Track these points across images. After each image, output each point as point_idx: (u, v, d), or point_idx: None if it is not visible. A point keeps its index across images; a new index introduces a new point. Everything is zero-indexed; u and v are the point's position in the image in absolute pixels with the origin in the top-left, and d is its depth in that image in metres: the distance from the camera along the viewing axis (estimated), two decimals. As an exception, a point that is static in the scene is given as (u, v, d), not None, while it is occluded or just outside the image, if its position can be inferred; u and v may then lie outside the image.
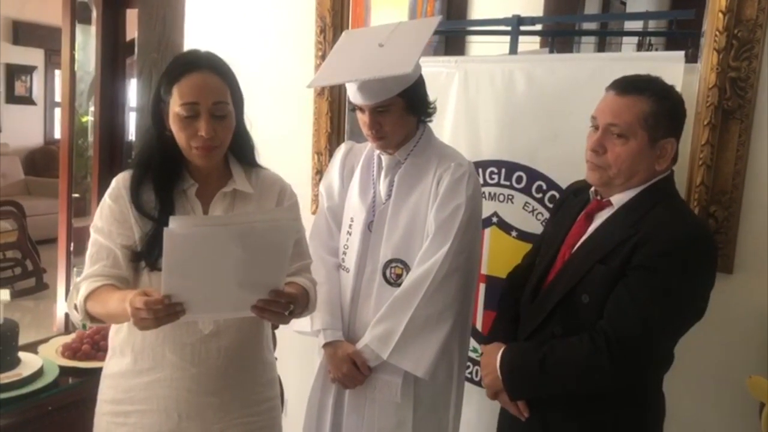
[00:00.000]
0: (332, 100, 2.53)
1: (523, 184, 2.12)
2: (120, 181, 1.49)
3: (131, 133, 2.63)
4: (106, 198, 1.48)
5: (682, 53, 1.87)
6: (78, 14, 2.48)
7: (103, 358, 1.59)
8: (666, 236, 1.37)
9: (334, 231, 1.94)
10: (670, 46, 3.02)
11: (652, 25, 3.69)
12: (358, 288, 1.86)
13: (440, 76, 2.22)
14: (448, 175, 1.78)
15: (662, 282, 1.35)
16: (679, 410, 1.61)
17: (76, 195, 2.60)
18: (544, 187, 2.09)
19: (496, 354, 1.55)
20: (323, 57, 2.44)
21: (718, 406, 1.91)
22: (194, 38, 2.51)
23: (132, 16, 2.46)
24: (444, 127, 2.19)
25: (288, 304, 1.35)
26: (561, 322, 1.48)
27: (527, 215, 2.12)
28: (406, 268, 1.79)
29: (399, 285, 1.78)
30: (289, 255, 1.29)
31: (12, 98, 7.38)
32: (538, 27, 2.82)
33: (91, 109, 2.67)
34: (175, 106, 1.40)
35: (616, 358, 1.36)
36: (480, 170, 2.14)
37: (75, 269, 2.39)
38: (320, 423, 1.93)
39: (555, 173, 2.06)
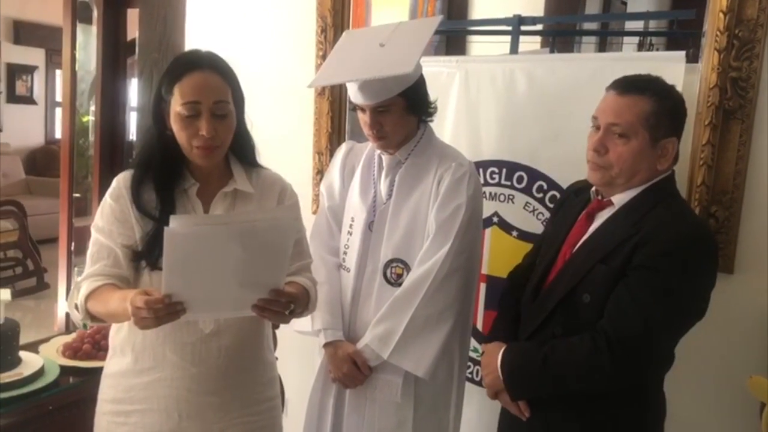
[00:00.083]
0: (333, 99, 2.53)
1: (523, 184, 2.12)
2: (121, 180, 1.49)
3: (132, 133, 2.64)
4: (107, 197, 1.48)
5: (683, 53, 1.87)
6: (79, 14, 2.48)
7: (103, 358, 1.59)
8: (667, 236, 1.37)
9: (335, 231, 1.94)
10: (670, 46, 3.02)
11: (652, 25, 3.69)
12: (358, 288, 1.86)
13: (441, 75, 2.22)
14: (449, 175, 1.78)
15: (663, 282, 1.35)
16: (679, 410, 1.61)
17: (77, 195, 2.60)
18: (545, 187, 2.09)
19: (497, 354, 1.55)
20: (324, 57, 2.44)
21: (719, 406, 1.91)
22: (195, 38, 2.51)
23: (133, 15, 2.47)
24: (445, 126, 2.19)
25: (288, 303, 1.35)
26: (562, 321, 1.48)
27: (528, 215, 2.12)
28: (407, 268, 1.79)
29: (399, 285, 1.78)
30: (289, 254, 1.29)
31: (13, 98, 7.39)
32: (539, 27, 2.82)
33: (92, 108, 2.67)
34: (176, 106, 1.40)
35: (617, 358, 1.36)
36: (481, 170, 2.14)
37: (76, 269, 2.39)
38: (321, 423, 1.93)
39: (556, 173, 2.06)
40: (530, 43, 2.81)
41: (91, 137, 2.66)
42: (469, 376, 2.14)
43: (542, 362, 1.44)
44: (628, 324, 1.36)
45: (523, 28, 2.45)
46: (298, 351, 2.23)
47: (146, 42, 2.40)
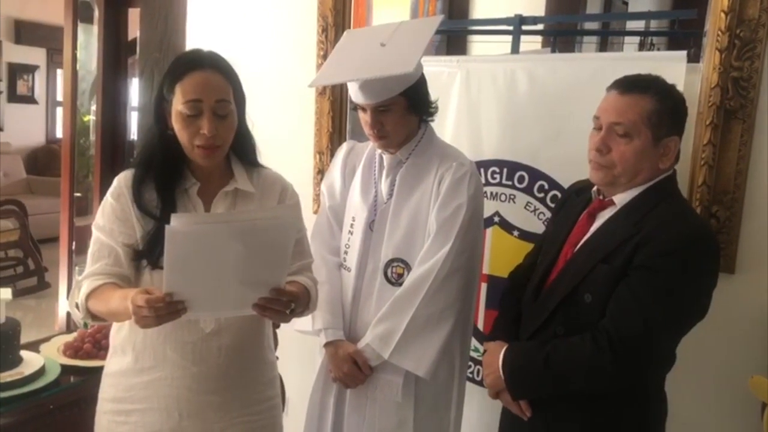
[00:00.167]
0: (334, 99, 2.53)
1: (524, 184, 2.12)
2: (122, 179, 1.49)
3: (133, 133, 2.64)
4: (108, 196, 1.48)
5: (684, 53, 1.86)
6: (80, 13, 2.48)
7: (104, 357, 1.59)
8: (668, 236, 1.37)
9: (336, 230, 1.94)
10: (671, 45, 3.02)
11: (653, 24, 3.70)
12: (359, 287, 1.86)
13: (442, 75, 2.22)
14: (450, 175, 1.78)
15: (664, 282, 1.35)
16: (680, 410, 1.61)
17: (78, 194, 2.60)
18: (546, 186, 2.09)
19: (498, 353, 1.54)
20: (325, 56, 2.44)
21: (720, 406, 1.91)
22: (196, 38, 2.51)
23: (134, 15, 2.47)
24: (446, 126, 2.19)
25: (289, 302, 1.35)
26: (563, 321, 1.48)
27: (529, 215, 2.12)
28: (408, 267, 1.79)
29: (400, 284, 1.78)
30: (290, 252, 1.29)
31: (14, 97, 7.39)
32: (540, 27, 2.82)
33: (93, 108, 2.67)
34: (177, 105, 1.41)
35: (619, 357, 1.36)
36: (482, 170, 2.14)
37: (77, 268, 2.39)
38: (321, 422, 1.93)
39: (557, 173, 2.06)
40: (531, 42, 2.81)
41: (92, 137, 2.66)
42: (470, 375, 2.14)
43: (544, 362, 1.44)
44: (630, 324, 1.36)
45: (524, 27, 2.45)
46: (298, 351, 2.23)
47: (147, 41, 2.40)
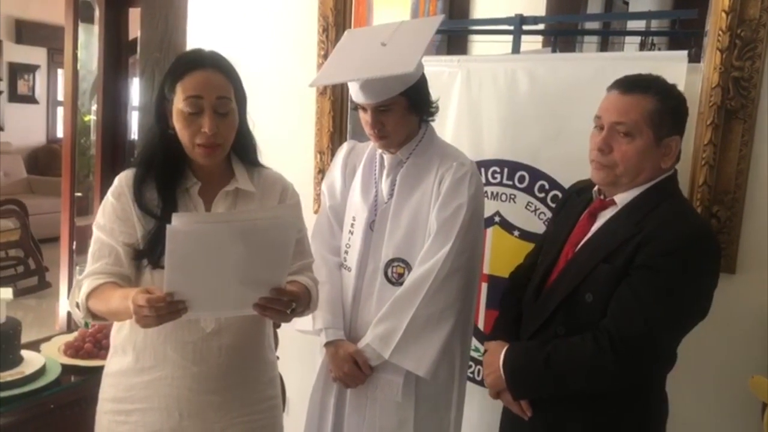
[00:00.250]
0: (334, 99, 2.53)
1: (525, 184, 2.12)
2: (123, 179, 1.49)
3: (134, 132, 2.64)
4: (109, 195, 1.48)
5: (685, 53, 1.86)
6: (81, 13, 2.48)
7: (105, 357, 1.59)
8: (669, 235, 1.37)
9: (336, 230, 1.94)
10: (672, 45, 3.02)
11: (654, 24, 3.70)
12: (359, 287, 1.86)
13: (443, 75, 2.22)
14: (450, 175, 1.78)
15: (666, 281, 1.35)
16: (681, 410, 1.61)
17: (79, 194, 2.60)
18: (547, 186, 2.08)
19: (499, 353, 1.54)
20: (325, 56, 2.44)
21: (721, 406, 1.91)
22: (196, 37, 2.51)
23: (135, 15, 2.47)
24: (446, 126, 2.19)
25: (290, 302, 1.35)
26: (564, 321, 1.47)
27: (529, 215, 2.12)
28: (408, 267, 1.79)
29: (401, 284, 1.78)
30: (291, 252, 1.29)
31: (15, 97, 7.39)
32: (541, 26, 2.82)
33: (94, 108, 2.67)
34: (178, 103, 1.41)
35: (620, 357, 1.36)
36: (482, 170, 2.14)
37: (77, 268, 2.39)
38: (322, 422, 1.93)
39: (557, 173, 2.06)
40: (532, 42, 2.81)
41: (93, 136, 2.66)
42: (471, 375, 2.14)
43: (545, 362, 1.44)
44: (631, 323, 1.36)
45: (525, 27, 2.45)
46: (299, 350, 2.23)
47: (148, 41, 2.40)
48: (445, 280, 1.74)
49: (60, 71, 7.37)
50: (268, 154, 1.61)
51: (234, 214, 1.42)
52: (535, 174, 2.10)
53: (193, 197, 1.48)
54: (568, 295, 1.46)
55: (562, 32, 3.06)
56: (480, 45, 2.98)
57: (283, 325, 1.85)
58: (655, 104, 1.42)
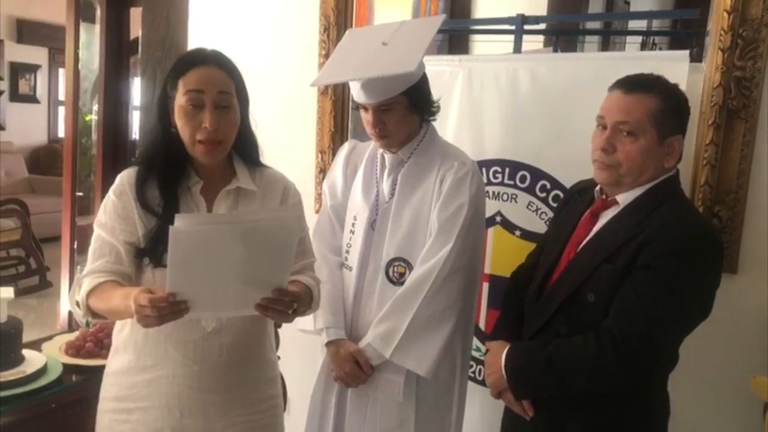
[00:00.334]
0: (336, 98, 2.53)
1: (526, 184, 2.12)
2: (124, 177, 1.50)
3: (135, 132, 2.64)
4: (110, 194, 1.49)
5: (686, 52, 1.86)
6: (82, 13, 2.48)
7: (106, 356, 1.59)
8: (671, 235, 1.37)
9: (337, 229, 1.94)
10: (673, 45, 3.02)
11: (656, 24, 3.70)
12: (360, 287, 1.86)
13: (444, 74, 2.22)
14: (452, 174, 1.78)
15: (668, 281, 1.35)
16: (682, 410, 1.61)
17: (80, 193, 2.60)
18: (548, 186, 2.08)
19: (500, 353, 1.54)
20: (327, 56, 2.44)
21: (722, 406, 1.91)
22: (198, 37, 2.51)
23: (136, 14, 2.46)
24: (448, 126, 2.18)
25: (291, 302, 1.35)
26: (566, 321, 1.47)
27: (531, 215, 2.12)
28: (409, 266, 1.79)
29: (402, 284, 1.78)
30: (293, 253, 1.30)
31: (16, 97, 7.39)
32: (542, 26, 2.82)
33: (95, 107, 2.66)
34: (180, 99, 1.41)
35: (622, 357, 1.36)
36: (484, 169, 2.13)
37: (78, 267, 2.39)
38: (323, 422, 1.93)
39: (559, 173, 2.06)
40: (533, 42, 2.81)
41: (94, 136, 2.66)
42: (472, 375, 2.14)
43: (546, 362, 1.44)
44: (633, 323, 1.36)
45: (527, 27, 2.45)
46: (300, 350, 2.23)
47: (149, 41, 2.40)
48: (446, 280, 1.74)
49: (61, 71, 7.37)
50: (269, 154, 1.61)
51: (236, 215, 1.42)
52: (537, 174, 2.10)
53: (195, 196, 1.48)
54: (570, 295, 1.46)
55: (563, 32, 3.06)
56: (481, 45, 2.98)
57: (284, 324, 1.85)
58: (659, 103, 1.42)
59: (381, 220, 1.84)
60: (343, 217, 1.94)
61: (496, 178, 2.17)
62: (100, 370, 1.61)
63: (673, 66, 1.77)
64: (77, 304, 1.43)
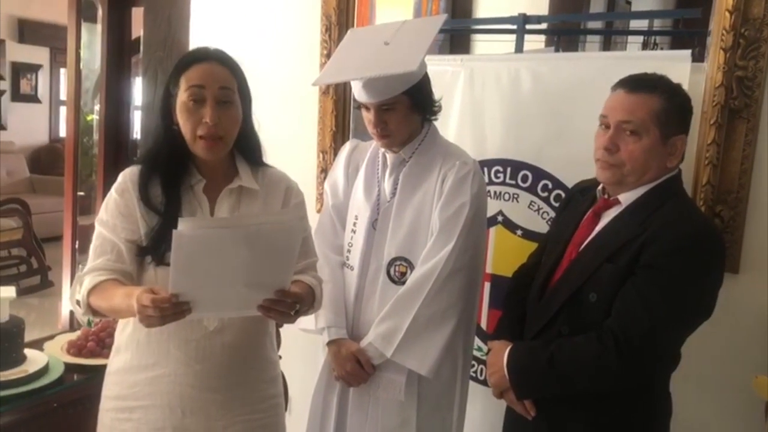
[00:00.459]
0: (337, 98, 2.53)
1: (528, 183, 2.12)
2: (127, 175, 1.50)
3: (136, 132, 2.64)
4: (113, 192, 1.49)
5: (688, 52, 1.86)
6: (84, 13, 2.48)
7: (107, 356, 1.59)
8: (674, 235, 1.37)
9: (339, 229, 1.95)
10: (675, 45, 3.02)
11: (657, 24, 3.69)
12: (362, 286, 1.86)
13: (446, 74, 2.22)
14: (453, 174, 1.78)
15: (670, 281, 1.35)
16: (683, 410, 1.60)
17: (81, 193, 2.60)
18: (550, 186, 2.08)
19: (502, 353, 1.54)
20: (328, 55, 2.44)
21: (724, 406, 1.91)
22: (199, 37, 2.51)
23: (137, 14, 2.47)
24: (449, 125, 2.18)
25: (294, 303, 1.35)
26: (568, 320, 1.47)
27: (533, 214, 2.12)
28: (411, 266, 1.79)
29: (403, 283, 1.78)
30: (296, 256, 1.30)
31: (17, 96, 7.39)
32: (544, 26, 2.82)
33: (97, 107, 2.67)
34: (182, 95, 1.42)
35: (624, 357, 1.36)
36: (485, 169, 2.13)
37: (80, 266, 2.39)
38: (324, 421, 1.93)
39: (560, 172, 2.05)
40: (535, 42, 2.81)
41: (96, 136, 2.66)
42: (473, 375, 2.14)
43: (548, 362, 1.44)
44: (636, 323, 1.36)
45: (528, 26, 2.45)
46: (301, 349, 2.23)
47: (151, 40, 2.40)
48: (447, 279, 1.74)
49: (63, 71, 7.37)
50: (270, 153, 1.61)
51: (240, 219, 1.42)
52: (538, 173, 2.10)
53: (198, 194, 1.48)
54: (572, 295, 1.46)
55: (565, 31, 3.05)
56: (482, 44, 2.98)
57: (285, 324, 1.85)
58: (662, 103, 1.41)
59: (382, 220, 1.84)
60: (345, 216, 1.94)
61: (497, 177, 2.17)
62: (101, 369, 1.61)
63: (675, 66, 1.76)
64: (77, 302, 1.43)
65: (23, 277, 4.99)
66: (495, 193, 2.16)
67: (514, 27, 2.44)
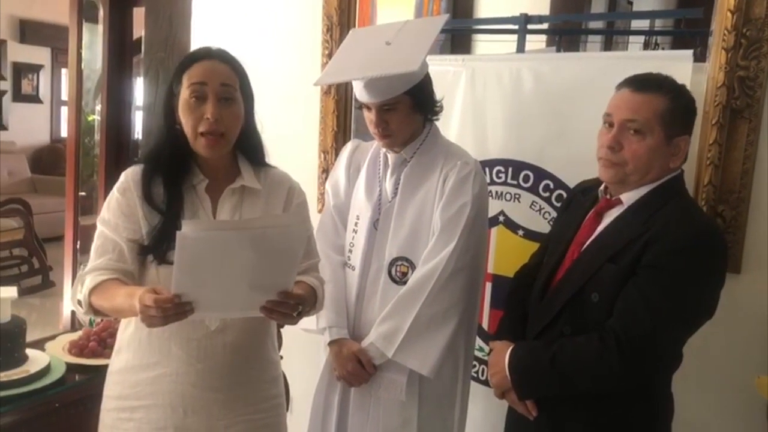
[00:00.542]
0: (339, 98, 2.53)
1: (530, 183, 2.12)
2: (129, 174, 1.50)
3: (137, 132, 2.64)
4: (115, 191, 1.49)
5: (690, 52, 1.86)
6: (85, 13, 2.49)
7: (109, 356, 1.59)
8: (676, 235, 1.37)
9: (340, 229, 1.95)
10: (677, 45, 3.02)
11: (659, 24, 3.69)
12: (363, 286, 1.86)
13: (447, 74, 2.22)
14: (454, 174, 1.78)
15: (672, 281, 1.35)
16: (685, 410, 1.60)
17: (83, 193, 2.60)
18: (551, 186, 2.08)
19: (504, 353, 1.54)
20: (330, 55, 2.44)
21: (726, 406, 1.90)
22: (201, 37, 2.51)
23: (139, 14, 2.47)
24: (451, 125, 2.18)
25: (297, 305, 1.35)
26: (570, 320, 1.47)
27: (534, 214, 2.12)
28: (412, 266, 1.79)
29: (404, 283, 1.78)
30: (299, 259, 1.30)
31: (19, 96, 7.39)
32: (545, 26, 2.82)
33: (98, 107, 2.67)
34: (184, 93, 1.43)
35: (626, 357, 1.36)
36: (487, 169, 2.13)
37: (81, 266, 2.39)
38: (325, 421, 1.93)
39: (562, 172, 2.05)
40: (536, 42, 2.81)
41: (97, 136, 2.67)
42: (475, 375, 2.14)
43: (550, 362, 1.44)
44: (638, 323, 1.36)
45: (530, 26, 2.45)
46: (302, 349, 2.23)
47: (152, 41, 2.40)
48: (448, 279, 1.74)
49: (64, 71, 7.37)
50: (272, 154, 1.61)
51: (244, 222, 1.42)
52: (540, 173, 2.10)
53: (200, 194, 1.49)
54: (574, 295, 1.46)
55: (566, 31, 3.05)
56: (484, 44, 2.98)
57: (288, 325, 1.86)
58: (667, 103, 1.41)
59: (384, 220, 1.84)
60: (346, 216, 1.94)
61: (499, 177, 2.17)
62: (103, 369, 1.61)
63: (677, 66, 1.76)
64: (79, 302, 1.43)
65: (25, 278, 5.00)
66: (496, 193, 2.16)
67: (516, 27, 2.44)
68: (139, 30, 2.48)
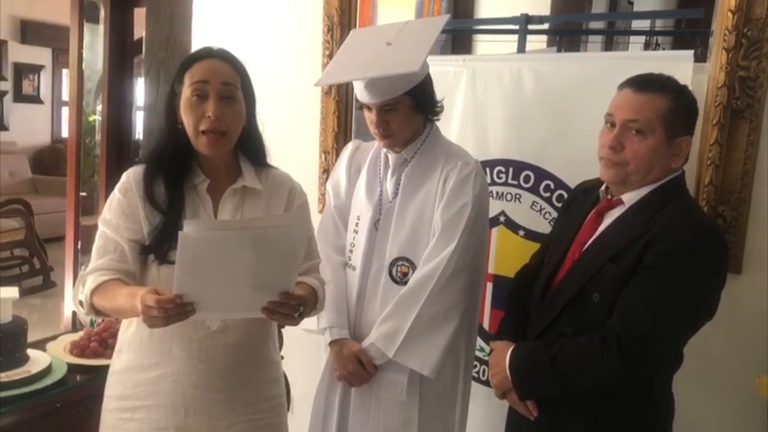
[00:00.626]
0: (339, 98, 2.53)
1: (530, 184, 2.12)
2: (131, 174, 1.50)
3: (138, 132, 2.64)
4: (116, 191, 1.49)
5: (691, 52, 1.86)
6: (86, 13, 2.49)
7: (110, 356, 1.59)
8: (677, 235, 1.37)
9: (341, 229, 1.95)
10: (677, 45, 3.02)
11: (659, 24, 3.69)
12: (364, 286, 1.86)
13: (448, 75, 2.22)
14: (455, 174, 1.78)
15: (673, 281, 1.35)
16: (686, 410, 1.60)
17: (84, 193, 2.60)
18: (552, 186, 2.08)
19: (505, 353, 1.54)
20: (330, 56, 2.44)
21: (726, 406, 1.90)
22: (201, 37, 2.51)
23: (140, 15, 2.47)
24: (451, 126, 2.18)
25: (298, 306, 1.35)
26: (571, 321, 1.47)
27: (535, 214, 2.12)
28: (413, 266, 1.79)
29: (405, 283, 1.78)
30: (300, 260, 1.30)
31: (20, 97, 7.40)
32: (546, 26, 2.82)
33: (99, 107, 2.67)
34: (186, 92, 1.43)
35: (627, 357, 1.36)
36: (487, 169, 2.13)
37: (82, 267, 2.39)
38: (326, 421, 1.93)
39: (563, 172, 2.05)
40: (537, 42, 2.81)
41: (98, 136, 2.67)
42: (476, 375, 2.14)
43: (551, 362, 1.44)
44: (638, 323, 1.36)
45: (530, 27, 2.45)
46: (303, 349, 2.23)
47: (153, 41, 2.40)
48: (449, 279, 1.74)
49: (65, 71, 7.38)
50: (273, 154, 1.61)
51: (245, 222, 1.42)
52: (541, 174, 2.10)
53: (201, 194, 1.49)
54: (575, 295, 1.46)
55: (567, 32, 3.05)
56: (484, 44, 2.98)
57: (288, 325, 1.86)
58: (669, 104, 1.41)
59: (384, 220, 1.84)
60: (347, 216, 1.94)
61: (499, 178, 2.17)
62: (104, 369, 1.61)
63: (677, 66, 1.76)
64: (80, 303, 1.43)
65: (26, 278, 5.01)
66: (497, 193, 2.16)
67: (516, 27, 2.44)
68: (140, 30, 2.48)
